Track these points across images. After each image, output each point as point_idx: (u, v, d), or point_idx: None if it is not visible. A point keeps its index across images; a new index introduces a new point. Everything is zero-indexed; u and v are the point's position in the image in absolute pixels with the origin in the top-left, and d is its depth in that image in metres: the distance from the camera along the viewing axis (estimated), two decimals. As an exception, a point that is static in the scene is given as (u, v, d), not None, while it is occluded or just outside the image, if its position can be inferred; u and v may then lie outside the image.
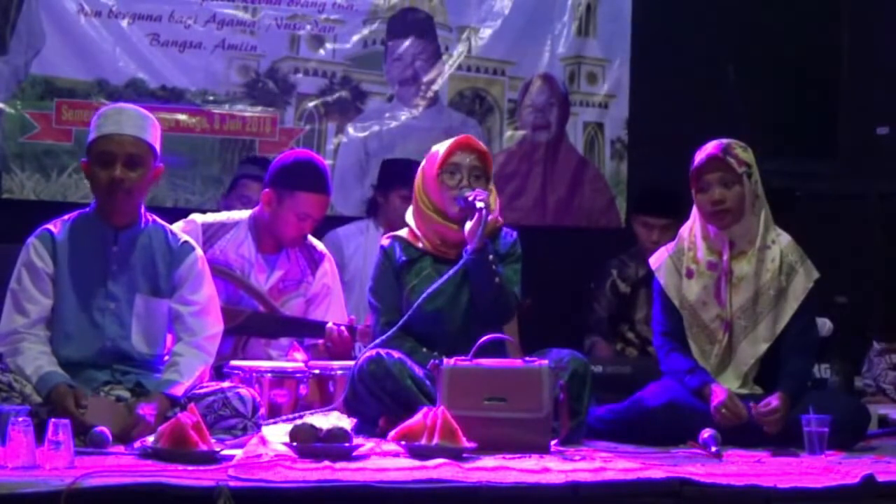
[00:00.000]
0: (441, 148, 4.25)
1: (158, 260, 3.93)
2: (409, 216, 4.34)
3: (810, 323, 4.35)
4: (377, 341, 4.10)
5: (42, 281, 3.85)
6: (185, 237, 4.03)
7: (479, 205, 4.07)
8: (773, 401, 4.04)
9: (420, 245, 4.26)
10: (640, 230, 5.54)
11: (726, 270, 4.28)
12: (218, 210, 5.07)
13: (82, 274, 3.87)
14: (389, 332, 4.09)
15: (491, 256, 4.13)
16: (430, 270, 4.20)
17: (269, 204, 4.51)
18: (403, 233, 4.33)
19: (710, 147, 4.29)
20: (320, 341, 4.48)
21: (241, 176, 5.54)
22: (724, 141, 4.30)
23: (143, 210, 3.97)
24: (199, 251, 4.03)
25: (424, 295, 4.09)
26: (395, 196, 5.49)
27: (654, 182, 5.81)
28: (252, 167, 5.54)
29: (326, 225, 5.29)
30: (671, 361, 4.28)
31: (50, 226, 3.93)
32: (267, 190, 4.53)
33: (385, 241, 4.33)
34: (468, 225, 4.12)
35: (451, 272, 4.11)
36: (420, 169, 4.31)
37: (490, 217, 4.12)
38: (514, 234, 4.34)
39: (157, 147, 3.93)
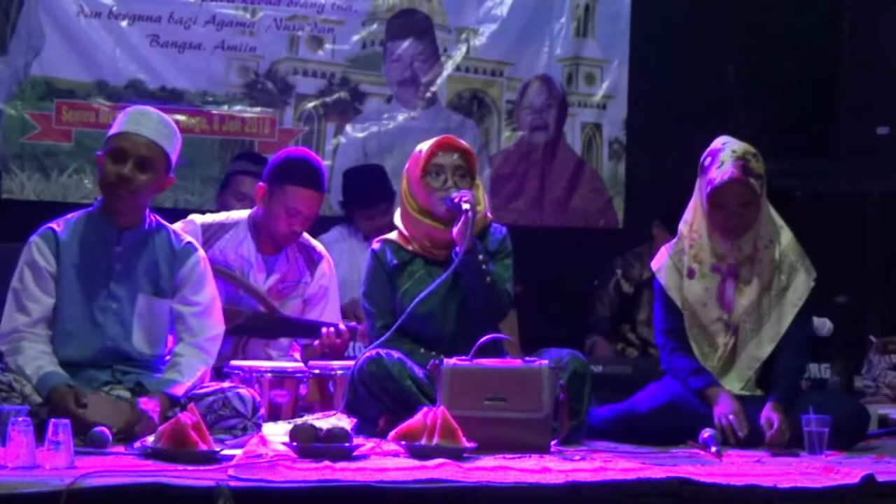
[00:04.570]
0: (423, 148, 4.23)
1: (161, 260, 3.93)
2: (398, 219, 4.32)
3: (806, 321, 4.34)
4: (374, 344, 4.09)
5: (44, 280, 3.84)
6: (188, 238, 4.03)
7: (465, 206, 4.05)
8: (775, 421, 3.97)
9: (410, 248, 4.25)
10: (660, 242, 5.44)
11: (734, 274, 4.27)
12: (216, 209, 5.07)
13: (85, 273, 3.86)
14: (384, 336, 4.08)
15: (481, 256, 4.12)
16: (423, 273, 4.19)
17: (262, 199, 4.52)
18: (393, 236, 4.31)
19: (729, 164, 4.14)
20: (316, 343, 4.47)
21: (235, 172, 5.53)
22: (740, 156, 4.15)
23: (147, 212, 3.97)
24: (201, 252, 4.02)
25: (416, 300, 4.08)
26: (359, 217, 5.56)
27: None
28: (246, 163, 5.53)
29: (321, 227, 5.27)
30: (675, 360, 4.26)
31: (53, 225, 3.91)
32: (260, 184, 4.54)
33: (376, 245, 4.31)
34: (455, 227, 4.11)
35: (442, 276, 4.09)
36: (405, 171, 4.29)
37: (477, 216, 4.11)
38: (504, 229, 4.32)
39: (173, 157, 3.91)
